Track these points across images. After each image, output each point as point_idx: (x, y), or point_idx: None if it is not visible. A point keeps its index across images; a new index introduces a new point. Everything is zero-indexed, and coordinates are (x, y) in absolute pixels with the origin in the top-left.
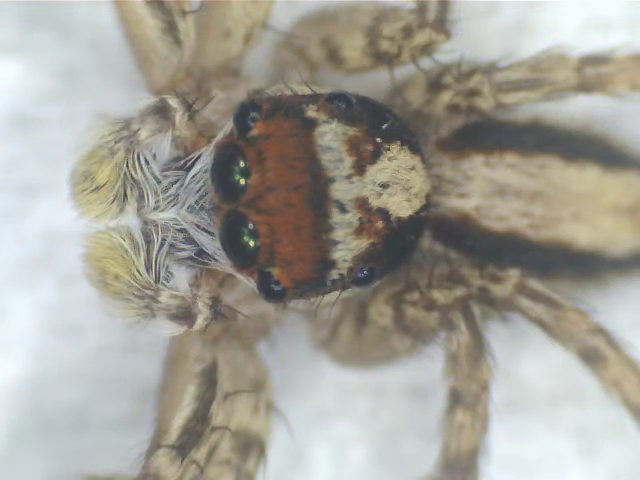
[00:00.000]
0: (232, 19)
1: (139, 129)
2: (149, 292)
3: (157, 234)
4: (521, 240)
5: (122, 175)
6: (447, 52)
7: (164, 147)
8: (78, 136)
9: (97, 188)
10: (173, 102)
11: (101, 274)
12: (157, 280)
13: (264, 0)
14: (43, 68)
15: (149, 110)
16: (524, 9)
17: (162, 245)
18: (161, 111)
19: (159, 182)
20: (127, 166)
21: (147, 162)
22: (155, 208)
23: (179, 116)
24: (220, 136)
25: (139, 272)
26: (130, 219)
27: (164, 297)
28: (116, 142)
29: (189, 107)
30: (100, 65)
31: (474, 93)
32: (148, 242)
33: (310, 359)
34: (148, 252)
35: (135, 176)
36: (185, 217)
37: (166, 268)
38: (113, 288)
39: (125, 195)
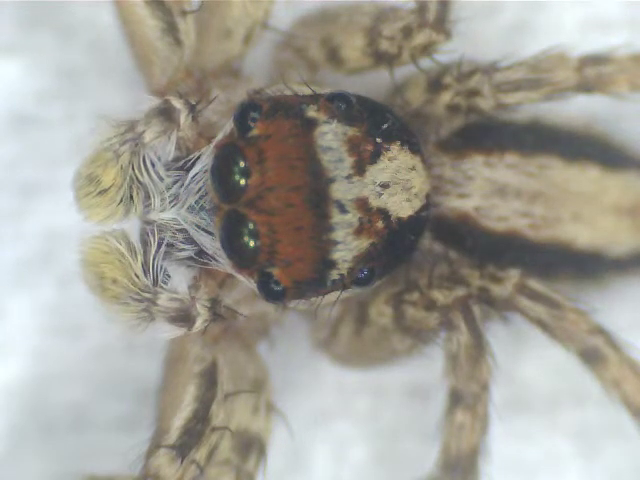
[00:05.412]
0: (232, 19)
1: (144, 131)
2: (147, 295)
3: (154, 235)
4: (521, 240)
5: (127, 178)
6: (447, 52)
7: (168, 148)
8: (81, 138)
9: (102, 191)
10: (177, 103)
11: (99, 279)
12: (155, 283)
13: (264, 0)
14: (43, 68)
15: (154, 112)
16: (524, 9)
17: (159, 247)
18: (166, 113)
19: (163, 183)
20: (132, 169)
21: (152, 164)
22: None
23: (183, 117)
24: (220, 136)
25: (137, 275)
26: (134, 221)
27: (163, 300)
28: (121, 145)
29: (193, 108)
30: (100, 65)
31: (474, 93)
32: (145, 244)
33: (310, 359)
34: (145, 254)
35: (141, 178)
36: (185, 217)
37: (164, 271)
38: (111, 292)
39: (131, 197)
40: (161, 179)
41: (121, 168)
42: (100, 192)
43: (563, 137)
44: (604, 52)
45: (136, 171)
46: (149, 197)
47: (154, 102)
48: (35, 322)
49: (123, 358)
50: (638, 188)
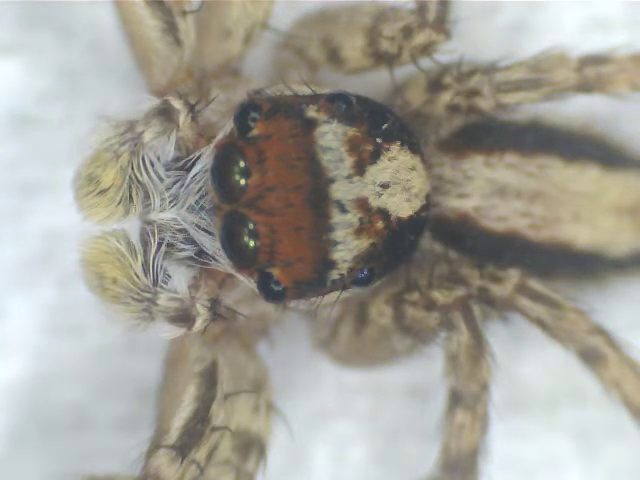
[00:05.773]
0: (232, 19)
1: (143, 131)
2: (148, 295)
3: (154, 235)
4: (521, 240)
5: (127, 178)
6: (447, 52)
7: (168, 148)
8: (81, 138)
9: (102, 191)
10: (176, 103)
11: (99, 279)
12: (155, 283)
13: (264, 0)
14: (43, 68)
15: (153, 112)
16: (524, 9)
17: (159, 246)
18: (165, 113)
19: (163, 183)
20: (132, 169)
21: (152, 164)
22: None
23: (183, 117)
24: (220, 136)
25: (137, 275)
26: (134, 221)
27: (163, 300)
28: (121, 145)
29: (192, 108)
30: (100, 65)
31: (474, 93)
32: (145, 244)
33: (310, 359)
34: (145, 254)
35: (140, 178)
36: (185, 217)
37: (164, 271)
38: (111, 292)
39: (130, 197)
40: (161, 179)
41: (121, 168)
42: (100, 192)
43: (563, 137)
44: (604, 52)
45: (136, 171)
46: (149, 197)
47: (154, 102)
48: (35, 322)
49: (123, 358)
50: (638, 188)
